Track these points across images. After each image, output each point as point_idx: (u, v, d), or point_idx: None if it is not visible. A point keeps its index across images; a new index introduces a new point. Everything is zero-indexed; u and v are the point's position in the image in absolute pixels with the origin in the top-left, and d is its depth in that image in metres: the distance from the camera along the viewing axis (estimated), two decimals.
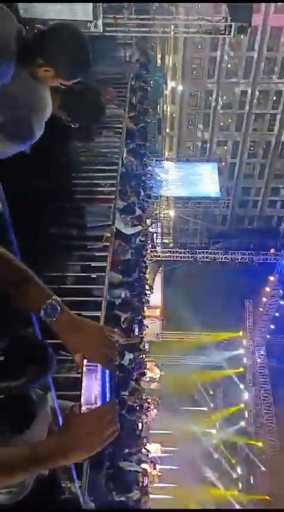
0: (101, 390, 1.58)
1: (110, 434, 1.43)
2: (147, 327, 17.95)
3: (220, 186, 25.74)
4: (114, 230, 7.25)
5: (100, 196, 7.27)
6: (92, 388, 1.58)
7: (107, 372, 1.55)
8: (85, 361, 1.56)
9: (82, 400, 1.55)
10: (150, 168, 19.32)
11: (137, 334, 8.58)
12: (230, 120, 29.73)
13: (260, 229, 28.34)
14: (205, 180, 25.52)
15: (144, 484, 10.29)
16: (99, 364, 1.58)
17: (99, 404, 1.51)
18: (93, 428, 1.41)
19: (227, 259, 24.98)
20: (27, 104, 2.17)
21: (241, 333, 27.18)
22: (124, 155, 7.90)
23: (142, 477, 10.09)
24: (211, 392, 27.19)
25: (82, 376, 1.57)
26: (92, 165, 7.18)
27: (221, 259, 24.89)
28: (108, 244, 6.80)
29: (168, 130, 29.09)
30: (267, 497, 22.97)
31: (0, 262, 1.45)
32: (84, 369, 1.57)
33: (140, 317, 11.06)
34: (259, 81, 28.14)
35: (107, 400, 1.54)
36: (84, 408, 1.51)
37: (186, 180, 24.84)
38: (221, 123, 29.80)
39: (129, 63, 9.95)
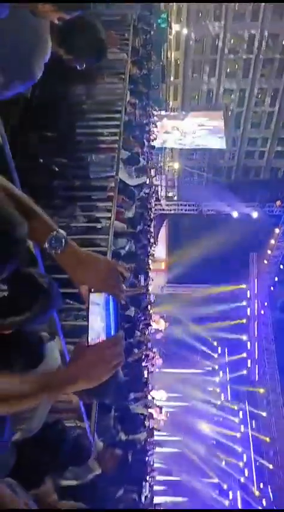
0: (108, 323, 1.61)
1: (116, 365, 1.48)
2: (152, 279, 18.12)
3: (225, 136, 25.14)
4: (118, 180, 7.17)
5: (103, 146, 7.13)
6: (100, 322, 1.61)
7: (112, 304, 1.58)
8: (95, 295, 1.58)
9: (90, 333, 1.59)
10: (153, 118, 18.83)
11: (142, 284, 8.66)
12: (237, 67, 28.61)
13: (266, 181, 27.90)
14: (211, 131, 24.92)
15: (150, 427, 10.78)
16: (105, 297, 1.60)
17: (105, 336, 1.55)
18: (100, 359, 1.46)
19: (233, 212, 24.75)
20: (26, 41, 2.06)
21: (244, 285, 27.41)
22: (127, 100, 7.67)
23: (149, 420, 10.52)
24: (215, 344, 27.76)
25: (87, 309, 1.59)
26: (94, 113, 6.98)
27: (227, 212, 24.68)
28: (112, 194, 6.74)
29: (172, 78, 28.08)
30: (267, 439, 23.95)
31: (6, 192, 1.43)
32: (92, 303, 1.59)
33: (145, 269, 11.14)
34: (268, 24, 26.81)
35: (113, 332, 1.58)
36: (91, 341, 1.55)
37: (191, 131, 24.27)
38: (228, 70, 28.69)
39: (131, 4, 9.47)
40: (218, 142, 24.76)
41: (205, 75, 28.78)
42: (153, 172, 15.52)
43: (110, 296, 1.58)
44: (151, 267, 17.15)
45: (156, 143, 23.26)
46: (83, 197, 6.47)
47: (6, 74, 2.06)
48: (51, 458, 3.04)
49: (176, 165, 26.94)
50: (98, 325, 1.58)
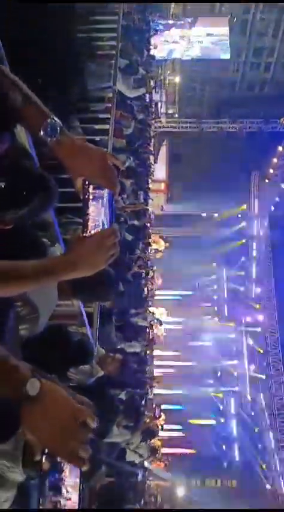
0: (107, 216, 1.62)
1: (112, 255, 1.52)
2: (152, 199, 18.03)
3: (230, 46, 23.65)
4: (116, 91, 6.87)
5: (100, 52, 6.75)
6: (98, 214, 1.62)
7: (108, 197, 1.57)
8: (91, 187, 1.57)
9: (90, 225, 1.60)
10: (154, 25, 17.60)
11: (142, 201, 8.62)
12: None
13: (271, 96, 26.62)
14: (214, 40, 23.42)
15: (150, 337, 11.34)
16: (104, 192, 1.59)
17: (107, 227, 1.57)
18: (96, 248, 1.49)
19: (235, 128, 23.98)
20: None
21: (245, 206, 27.22)
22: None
23: (148, 331, 11.04)
24: (214, 265, 28.15)
25: (86, 202, 1.59)
26: (90, 15, 6.52)
27: (229, 128, 23.90)
28: (110, 105, 6.49)
29: None
30: (260, 350, 25.20)
31: (3, 73, 1.38)
32: (90, 195, 1.59)
33: (145, 186, 11.03)
34: None
35: (108, 225, 1.59)
36: (92, 231, 1.57)
37: (193, 40, 22.80)
38: None
39: None
40: (222, 52, 23.38)
41: None
42: (152, 83, 14.79)
43: (106, 190, 1.57)
44: (150, 186, 16.98)
45: (162, 54, 22.00)
46: (81, 109, 6.24)
47: None
48: (55, 357, 3.22)
49: (177, 79, 25.59)
50: (99, 216, 1.58)
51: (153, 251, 21.17)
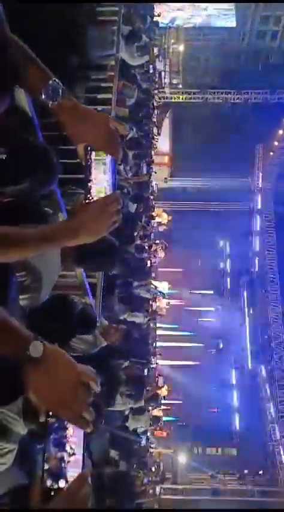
0: (108, 183, 1.61)
1: (114, 222, 1.51)
2: (155, 172, 17.87)
3: (235, 14, 22.98)
4: (119, 58, 6.71)
5: (102, 18, 6.55)
6: (100, 181, 1.60)
7: (109, 163, 1.55)
8: (93, 154, 1.55)
9: (92, 191, 1.59)
10: None
11: (145, 173, 8.54)
12: None
13: (277, 65, 25.99)
14: (219, 8, 22.75)
15: (153, 309, 11.44)
16: (106, 158, 1.57)
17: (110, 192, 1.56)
18: (98, 215, 1.48)
19: (240, 99, 23.53)
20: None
21: (249, 179, 26.95)
22: None
23: (151, 303, 11.12)
24: (217, 238, 28.08)
25: (88, 168, 1.57)
26: None
27: (234, 99, 23.46)
28: (112, 74, 6.36)
29: None
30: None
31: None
32: (93, 162, 1.57)
33: (148, 158, 10.91)
34: None
35: (111, 191, 1.58)
36: (95, 196, 1.56)
37: (203, 7, 22.16)
38: None
39: None
40: (228, 20, 22.73)
41: None
42: (156, 51, 14.44)
43: (109, 156, 1.55)
44: (154, 159, 16.81)
45: (165, 21, 21.40)
46: (82, 77, 6.10)
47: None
48: (58, 326, 3.25)
49: (181, 48, 24.95)
50: (102, 183, 1.57)
51: (156, 224, 21.14)
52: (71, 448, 1.14)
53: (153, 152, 15.08)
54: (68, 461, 1.12)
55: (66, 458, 1.12)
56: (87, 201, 1.52)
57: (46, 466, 1.11)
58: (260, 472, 20.71)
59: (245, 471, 20.60)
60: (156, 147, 17.94)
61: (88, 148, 1.52)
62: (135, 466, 8.71)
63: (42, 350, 1.17)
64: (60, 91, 1.42)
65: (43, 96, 1.41)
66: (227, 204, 26.75)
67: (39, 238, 1.41)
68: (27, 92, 1.60)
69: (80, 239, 1.46)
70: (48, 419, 1.16)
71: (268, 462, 21.63)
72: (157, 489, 17.80)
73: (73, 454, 1.13)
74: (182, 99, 24.20)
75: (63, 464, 1.13)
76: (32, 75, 1.39)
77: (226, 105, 24.30)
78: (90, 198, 1.55)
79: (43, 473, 1.13)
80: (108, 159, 1.55)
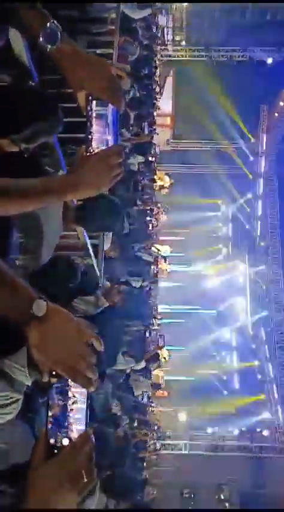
0: (110, 134, 1.55)
1: (116, 175, 1.47)
2: (157, 133, 17.51)
3: None
4: (120, 11, 6.45)
5: None
6: (102, 132, 1.55)
7: (111, 113, 1.50)
8: (94, 103, 1.49)
9: (93, 143, 1.54)
10: None
11: (147, 133, 8.37)
12: None
13: None
14: None
15: (155, 272, 11.51)
16: (108, 108, 1.51)
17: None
18: (101, 167, 1.44)
19: (245, 57, 22.77)
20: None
21: (253, 139, 26.40)
22: None
23: (153, 265, 11.16)
24: (219, 202, 27.87)
25: (89, 118, 1.52)
26: None
27: (239, 57, 22.70)
28: (113, 28, 6.13)
29: None
30: (263, 286, 25.66)
31: None
32: (94, 112, 1.52)
33: (150, 118, 10.67)
34: None
35: (114, 143, 1.53)
36: (96, 149, 1.51)
37: None
38: None
39: None
40: None
41: None
42: (158, 4, 13.86)
43: (110, 106, 1.50)
44: (156, 120, 16.45)
45: None
46: (81, 31, 5.89)
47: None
48: (60, 286, 3.27)
49: (185, 3, 23.94)
50: (104, 134, 1.52)
51: (158, 187, 20.94)
52: (74, 396, 1.15)
53: (155, 113, 14.75)
54: (71, 409, 1.14)
55: (69, 406, 1.14)
56: (87, 154, 1.48)
57: (50, 413, 1.13)
58: (258, 430, 21.35)
59: (243, 428, 21.24)
60: (159, 108, 17.52)
61: (90, 98, 1.46)
62: (136, 422, 8.98)
63: (46, 308, 1.16)
64: (59, 34, 1.35)
65: (41, 39, 1.34)
66: (230, 167, 26.39)
67: (39, 190, 1.38)
68: (23, 34, 1.53)
69: (80, 193, 1.43)
70: (51, 378, 1.16)
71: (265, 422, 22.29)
72: (158, 445, 18.47)
73: (76, 402, 1.15)
74: (185, 56, 23.42)
75: (67, 412, 1.14)
76: (30, 17, 1.33)
77: (230, 64, 23.53)
78: (91, 150, 1.51)
79: (47, 423, 1.14)
80: (110, 109, 1.49)
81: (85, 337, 1.19)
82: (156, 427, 17.80)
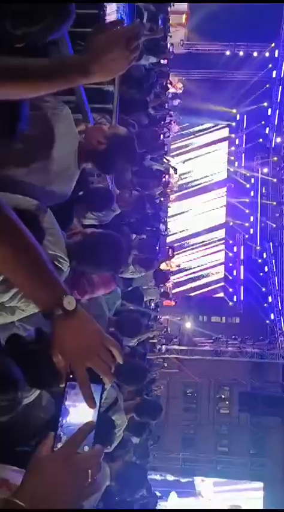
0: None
1: (132, 59, 1.36)
2: (171, 36, 16.34)
3: None
4: None
5: None
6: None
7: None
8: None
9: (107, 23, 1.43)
10: None
11: (161, 28, 7.74)
12: None
13: None
14: None
15: (166, 182, 11.34)
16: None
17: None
18: (115, 48, 1.31)
19: None
20: None
21: (274, 44, 24.45)
22: None
23: (164, 175, 10.98)
24: (234, 111, 26.63)
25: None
26: None
27: None
28: None
29: None
30: (274, 203, 25.39)
31: None
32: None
33: (164, 13, 9.82)
34: None
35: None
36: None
37: None
38: None
39: None
40: None
41: None
42: None
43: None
44: (170, 17, 15.28)
45: None
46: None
47: None
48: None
49: None
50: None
51: (171, 95, 19.94)
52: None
53: (169, 8, 13.60)
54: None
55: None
56: (102, 31, 1.35)
57: (61, 419, 1.12)
58: (261, 337, 22.33)
59: (246, 337, 22.26)
60: (173, 3, 16.09)
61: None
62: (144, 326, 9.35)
63: (75, 306, 1.21)
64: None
65: None
66: (247, 72, 24.81)
67: (50, 70, 1.29)
68: None
69: (93, 75, 1.31)
70: (68, 382, 1.15)
71: (268, 329, 23.21)
72: (164, 349, 19.57)
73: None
74: None
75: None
76: None
77: None
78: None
79: (57, 428, 1.11)
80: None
81: (107, 343, 1.22)
82: (163, 331, 18.74)
